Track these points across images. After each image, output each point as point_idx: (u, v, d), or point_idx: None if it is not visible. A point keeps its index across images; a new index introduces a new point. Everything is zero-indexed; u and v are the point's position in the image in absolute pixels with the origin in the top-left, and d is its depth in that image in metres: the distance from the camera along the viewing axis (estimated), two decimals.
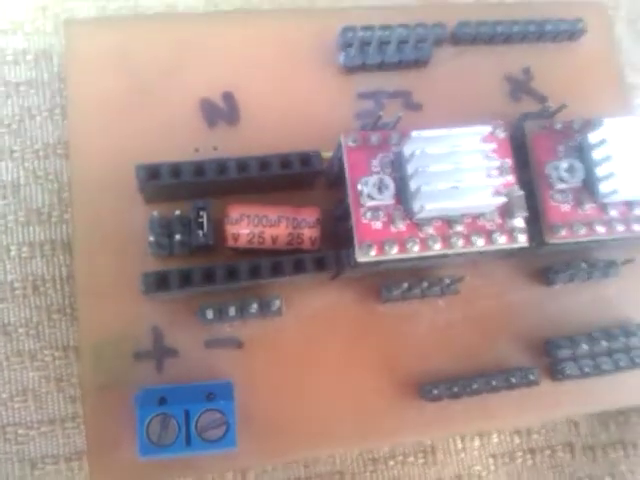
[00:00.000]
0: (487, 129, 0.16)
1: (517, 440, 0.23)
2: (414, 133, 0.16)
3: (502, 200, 0.16)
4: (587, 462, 0.23)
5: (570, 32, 0.22)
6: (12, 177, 0.22)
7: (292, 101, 0.20)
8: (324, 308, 0.19)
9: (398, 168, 0.17)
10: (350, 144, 0.17)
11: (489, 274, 0.20)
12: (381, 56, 0.21)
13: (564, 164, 0.18)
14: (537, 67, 0.22)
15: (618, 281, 0.21)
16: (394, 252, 0.17)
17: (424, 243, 0.17)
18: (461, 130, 0.16)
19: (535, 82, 0.22)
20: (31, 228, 0.21)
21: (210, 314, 0.18)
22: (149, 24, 0.20)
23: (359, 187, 0.17)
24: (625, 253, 0.20)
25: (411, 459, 0.22)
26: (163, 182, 0.17)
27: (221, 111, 0.20)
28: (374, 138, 0.17)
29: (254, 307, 0.18)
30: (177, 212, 0.17)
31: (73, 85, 0.19)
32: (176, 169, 0.17)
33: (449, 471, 0.22)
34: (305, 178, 0.18)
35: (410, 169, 0.16)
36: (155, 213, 0.17)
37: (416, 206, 0.16)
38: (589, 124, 0.18)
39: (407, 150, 0.17)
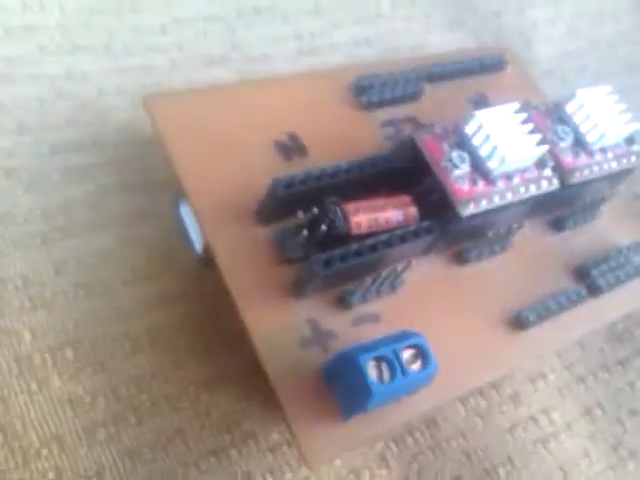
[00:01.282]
0: (517, 105, 0.23)
1: (567, 374, 0.28)
2: (477, 113, 0.22)
3: (547, 147, 0.22)
4: (621, 374, 0.29)
5: (499, 63, 0.30)
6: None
7: (340, 133, 0.25)
8: (424, 277, 0.23)
9: (464, 144, 0.22)
10: (424, 136, 0.22)
11: (524, 230, 0.25)
12: (392, 93, 0.27)
13: (559, 129, 0.24)
14: (487, 90, 0.30)
15: (606, 216, 0.27)
16: (484, 204, 0.22)
17: (500, 195, 0.22)
18: (502, 107, 0.22)
19: (489, 101, 0.30)
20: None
21: (354, 294, 0.21)
22: (215, 93, 0.24)
23: (442, 164, 0.22)
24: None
25: (504, 407, 0.26)
26: (296, 189, 0.20)
27: (292, 148, 0.24)
28: (437, 129, 0.23)
29: (387, 282, 0.21)
30: (315, 209, 0.20)
31: (171, 146, 0.22)
32: (304, 177, 0.21)
33: (535, 408, 0.26)
34: (396, 175, 0.23)
35: (477, 140, 0.22)
36: (300, 213, 0.20)
37: (493, 164, 0.22)
38: (562, 100, 0.25)
39: (469, 129, 0.22)
